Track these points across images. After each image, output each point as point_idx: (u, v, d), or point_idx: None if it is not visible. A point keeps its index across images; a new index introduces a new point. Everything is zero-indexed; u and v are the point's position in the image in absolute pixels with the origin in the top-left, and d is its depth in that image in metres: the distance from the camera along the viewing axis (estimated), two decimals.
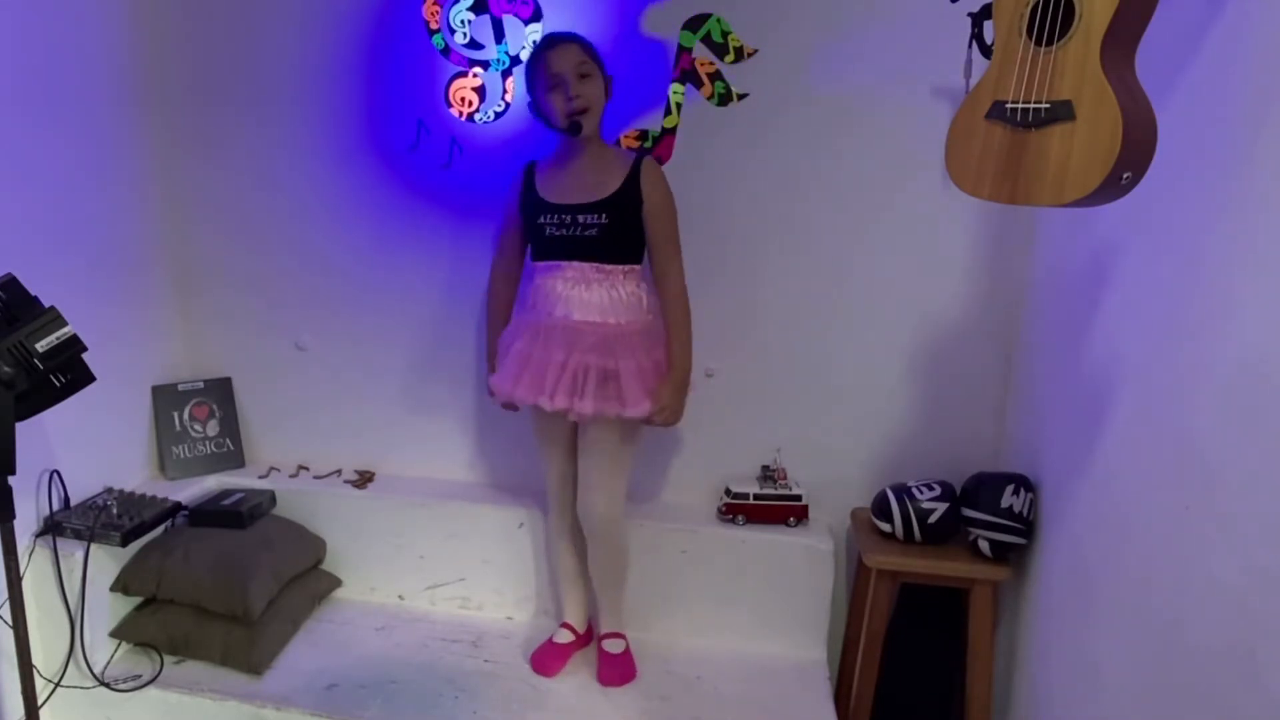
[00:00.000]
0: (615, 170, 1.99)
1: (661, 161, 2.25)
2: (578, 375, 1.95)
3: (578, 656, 2.27)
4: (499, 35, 2.26)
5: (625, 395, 1.96)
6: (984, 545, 2.04)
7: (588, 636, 2.31)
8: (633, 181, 1.97)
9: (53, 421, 1.95)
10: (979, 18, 1.82)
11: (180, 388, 2.60)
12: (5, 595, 1.72)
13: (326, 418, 2.65)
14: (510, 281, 2.20)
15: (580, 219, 1.96)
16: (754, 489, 2.34)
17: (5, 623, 1.80)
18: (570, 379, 1.95)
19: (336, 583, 2.54)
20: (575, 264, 1.98)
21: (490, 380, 2.12)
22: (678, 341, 2.03)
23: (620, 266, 2.00)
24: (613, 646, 2.23)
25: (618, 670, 2.19)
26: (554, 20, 2.22)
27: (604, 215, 1.96)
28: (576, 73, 1.91)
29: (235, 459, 2.66)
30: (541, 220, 2.00)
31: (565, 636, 2.27)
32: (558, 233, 1.98)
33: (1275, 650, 1.15)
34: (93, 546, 2.10)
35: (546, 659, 2.22)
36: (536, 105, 1.99)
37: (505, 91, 2.29)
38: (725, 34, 2.18)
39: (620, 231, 1.98)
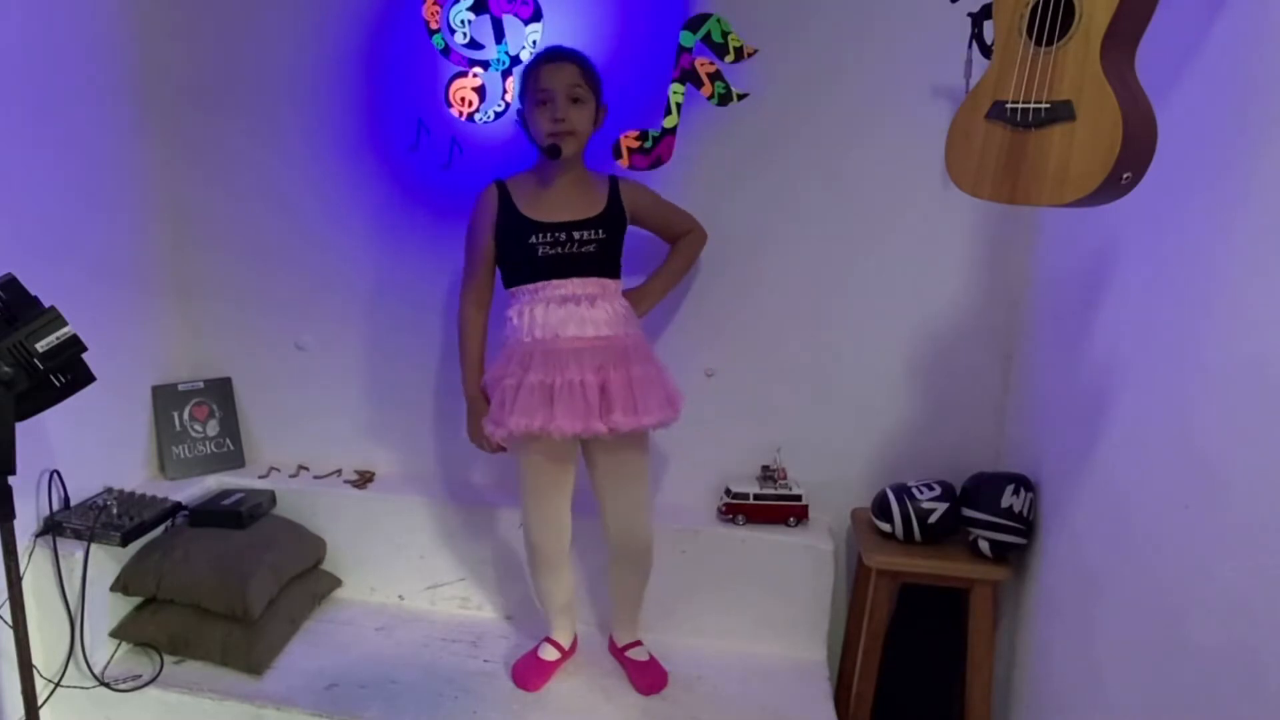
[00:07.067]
0: (598, 188, 1.99)
1: (661, 161, 2.26)
2: (622, 389, 1.88)
3: (563, 667, 2.24)
4: (499, 35, 2.26)
5: (660, 401, 1.94)
6: (984, 545, 2.04)
7: (573, 650, 2.28)
8: (615, 199, 1.98)
9: (53, 421, 1.95)
10: (979, 18, 1.82)
11: (180, 388, 2.60)
12: (5, 595, 1.72)
13: (327, 417, 2.65)
14: (485, 313, 2.06)
15: (577, 235, 1.91)
16: (754, 489, 2.34)
17: (5, 623, 1.80)
18: (617, 393, 1.87)
19: (336, 583, 2.54)
20: (574, 281, 1.92)
21: (503, 423, 1.89)
22: (686, 260, 2.18)
23: (613, 281, 1.98)
24: (640, 654, 2.22)
25: (655, 676, 2.18)
26: (554, 20, 2.22)
27: (601, 230, 1.93)
28: (568, 94, 1.86)
29: (235, 459, 2.66)
30: (533, 240, 1.90)
31: (552, 653, 2.21)
32: (552, 252, 1.91)
33: (1276, 650, 1.15)
34: (93, 546, 2.10)
35: (529, 674, 2.18)
36: (524, 117, 1.95)
37: (505, 91, 2.29)
38: (725, 34, 2.18)
39: (614, 246, 1.97)
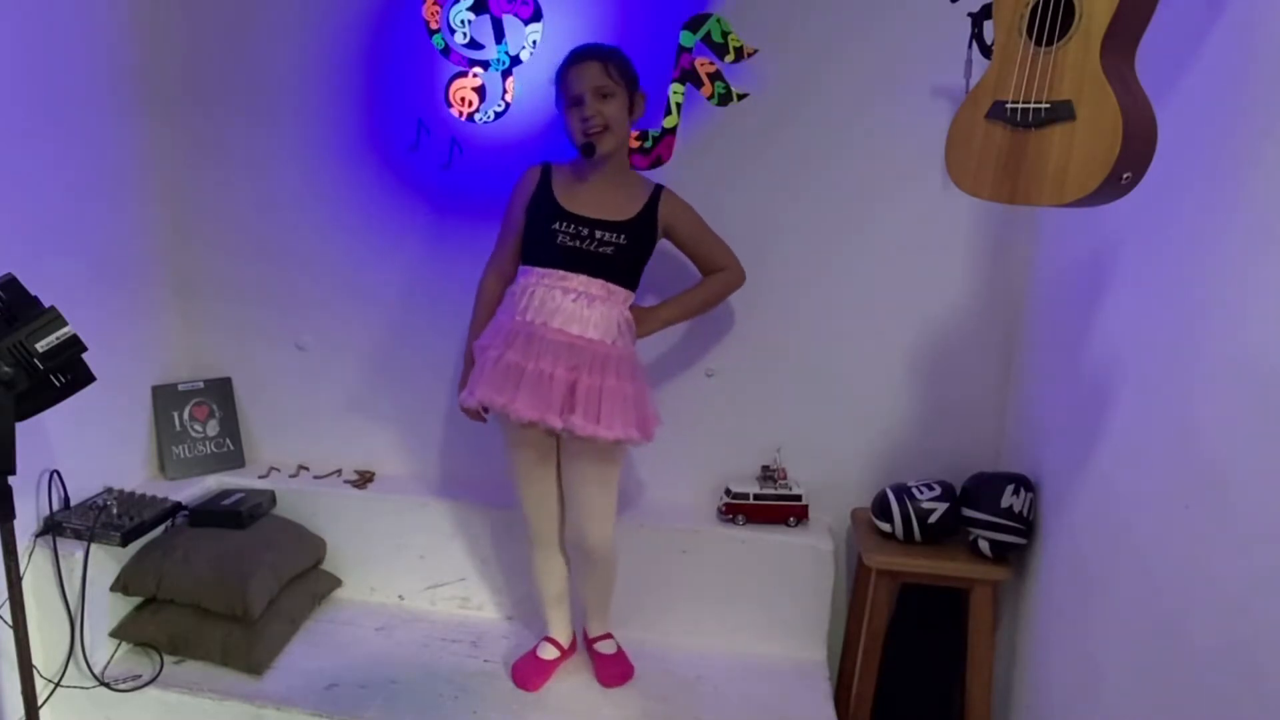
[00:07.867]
0: (636, 194, 1.98)
1: (661, 161, 2.26)
2: (588, 394, 1.87)
3: (563, 666, 2.25)
4: (499, 35, 2.26)
5: (627, 418, 1.91)
6: (984, 545, 2.04)
7: (573, 649, 2.29)
8: (651, 209, 1.97)
9: (53, 421, 1.95)
10: (979, 18, 1.82)
11: (180, 388, 2.60)
12: (5, 595, 1.72)
13: (327, 417, 2.65)
14: (505, 285, 2.06)
15: (598, 234, 1.92)
16: (754, 489, 2.34)
17: (5, 623, 1.80)
18: (581, 397, 1.87)
19: (336, 583, 2.54)
20: (582, 277, 1.92)
21: (474, 392, 1.93)
22: (708, 297, 2.12)
23: (623, 289, 1.97)
24: (606, 648, 2.24)
25: (618, 669, 2.20)
26: (554, 20, 2.22)
27: (623, 236, 1.93)
28: (596, 92, 1.87)
29: (235, 459, 2.66)
30: (555, 226, 1.93)
31: (551, 652, 2.22)
32: (571, 243, 1.92)
33: (1275, 650, 1.15)
34: (93, 546, 2.10)
35: (529, 672, 2.18)
36: (563, 121, 1.96)
37: (505, 91, 2.29)
38: (725, 34, 2.18)
39: (633, 256, 1.97)
